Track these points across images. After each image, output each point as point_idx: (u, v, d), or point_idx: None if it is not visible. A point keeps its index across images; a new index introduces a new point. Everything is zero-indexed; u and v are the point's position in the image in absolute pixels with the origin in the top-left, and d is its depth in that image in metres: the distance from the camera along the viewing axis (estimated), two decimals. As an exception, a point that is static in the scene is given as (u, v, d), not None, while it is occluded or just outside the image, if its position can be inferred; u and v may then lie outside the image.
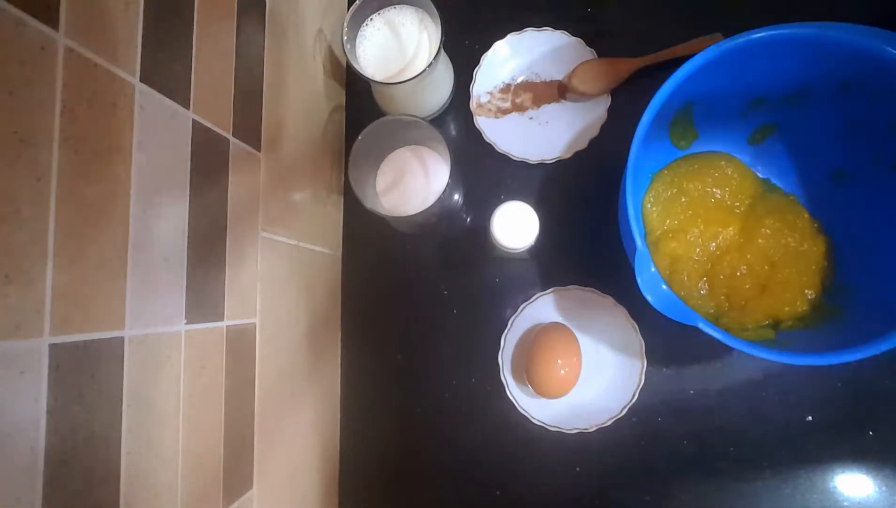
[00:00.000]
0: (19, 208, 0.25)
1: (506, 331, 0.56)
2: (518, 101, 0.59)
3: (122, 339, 0.31)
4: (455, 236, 0.60)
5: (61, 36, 0.27)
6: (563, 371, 0.51)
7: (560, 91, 0.59)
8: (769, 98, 0.51)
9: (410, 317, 0.60)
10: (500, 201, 0.50)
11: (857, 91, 0.46)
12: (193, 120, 0.37)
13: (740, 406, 0.55)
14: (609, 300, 0.56)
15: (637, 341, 0.55)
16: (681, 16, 0.59)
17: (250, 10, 0.44)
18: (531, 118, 0.59)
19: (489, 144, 0.58)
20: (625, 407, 0.54)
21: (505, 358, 0.56)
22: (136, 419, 0.31)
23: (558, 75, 0.59)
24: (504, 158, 0.58)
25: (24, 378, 0.25)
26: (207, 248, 0.39)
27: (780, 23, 0.43)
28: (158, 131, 0.33)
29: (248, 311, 0.44)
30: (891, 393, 0.55)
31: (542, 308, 0.57)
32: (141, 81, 0.32)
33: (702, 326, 0.41)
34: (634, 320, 0.55)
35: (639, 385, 0.54)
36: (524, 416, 0.55)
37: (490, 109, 0.59)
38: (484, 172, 0.59)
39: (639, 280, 0.41)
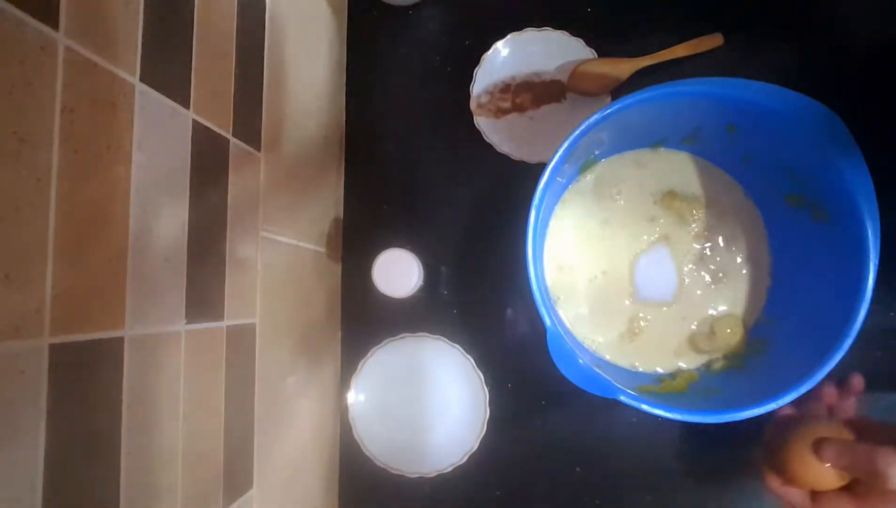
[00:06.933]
0: (19, 207, 0.25)
1: (356, 373, 0.56)
2: (518, 101, 0.59)
3: (122, 339, 0.31)
4: (460, 245, 0.60)
5: (61, 36, 0.27)
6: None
7: (560, 91, 0.59)
8: (668, 139, 0.53)
9: (409, 319, 0.59)
10: (385, 249, 0.53)
11: (742, 132, 0.48)
12: (193, 120, 0.37)
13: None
14: (457, 351, 0.56)
15: (482, 392, 0.55)
16: (681, 16, 0.59)
17: (250, 10, 0.44)
18: (531, 118, 0.59)
19: (489, 144, 0.58)
20: (465, 455, 0.55)
21: (355, 411, 0.56)
22: (136, 419, 0.31)
23: (558, 75, 0.59)
24: (504, 158, 0.58)
25: (24, 378, 0.25)
26: (207, 248, 0.39)
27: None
28: (158, 131, 0.33)
29: (248, 311, 0.44)
30: (888, 393, 0.55)
31: (393, 353, 0.57)
32: (141, 81, 0.32)
33: (623, 399, 0.42)
34: (481, 370, 0.56)
35: (480, 434, 0.55)
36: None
37: (490, 109, 0.59)
38: (484, 173, 0.59)
39: (554, 358, 0.42)
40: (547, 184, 0.44)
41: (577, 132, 0.44)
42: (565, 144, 0.44)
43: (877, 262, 0.42)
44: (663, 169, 0.55)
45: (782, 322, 0.51)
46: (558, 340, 0.42)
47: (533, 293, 0.44)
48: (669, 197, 0.54)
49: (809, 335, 0.46)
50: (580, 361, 0.42)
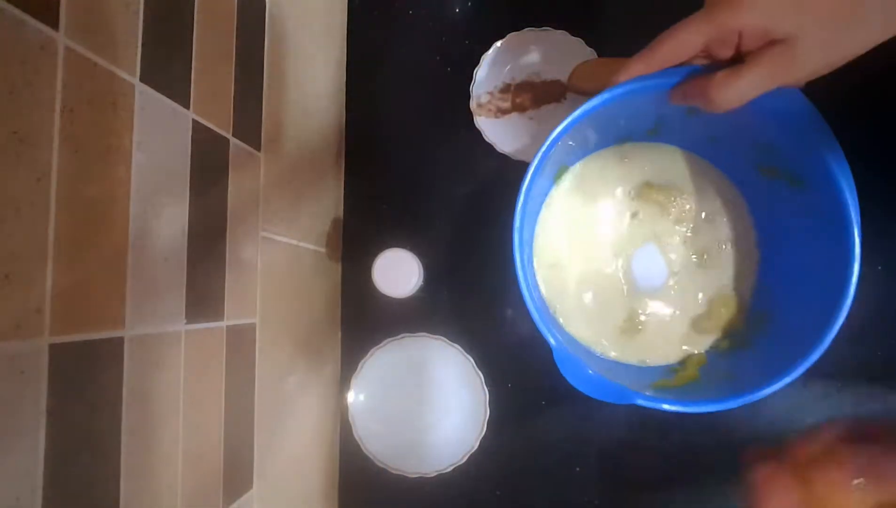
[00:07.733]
0: (19, 207, 0.25)
1: (356, 373, 0.56)
2: (518, 101, 0.59)
3: (122, 339, 0.31)
4: (461, 239, 0.60)
5: (61, 36, 0.27)
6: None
7: (560, 91, 0.59)
8: (634, 134, 0.53)
9: (409, 318, 0.60)
10: (385, 248, 0.53)
11: (701, 114, 0.46)
12: (193, 120, 0.37)
13: (742, 413, 0.55)
14: (457, 351, 0.56)
15: (482, 392, 0.55)
16: (681, 16, 0.59)
17: (250, 10, 0.44)
18: (531, 118, 0.59)
19: (489, 144, 0.58)
20: (465, 455, 0.55)
21: (355, 411, 0.56)
22: (136, 419, 0.31)
23: (558, 75, 0.59)
24: (504, 158, 0.58)
25: (24, 378, 0.25)
26: (207, 248, 0.39)
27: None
28: (158, 131, 0.33)
29: (248, 311, 0.44)
30: (888, 393, 0.55)
31: (393, 353, 0.57)
32: (141, 81, 0.32)
33: (641, 402, 0.42)
34: (481, 370, 0.56)
35: (480, 434, 0.55)
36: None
37: (490, 109, 0.59)
38: (484, 173, 0.59)
39: (565, 375, 0.42)
40: (524, 205, 0.44)
41: (544, 148, 0.44)
42: (535, 163, 0.44)
43: (858, 219, 0.41)
44: (635, 163, 0.55)
45: (778, 292, 0.51)
46: (566, 356, 0.42)
47: (532, 316, 0.43)
48: (647, 189, 0.54)
49: (808, 302, 0.45)
50: (590, 372, 0.42)
